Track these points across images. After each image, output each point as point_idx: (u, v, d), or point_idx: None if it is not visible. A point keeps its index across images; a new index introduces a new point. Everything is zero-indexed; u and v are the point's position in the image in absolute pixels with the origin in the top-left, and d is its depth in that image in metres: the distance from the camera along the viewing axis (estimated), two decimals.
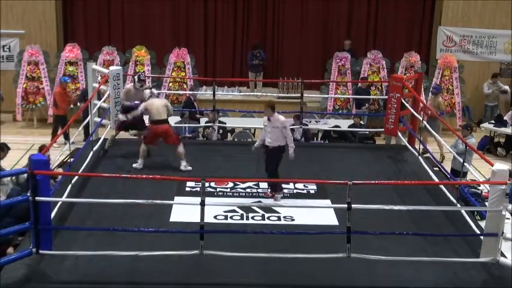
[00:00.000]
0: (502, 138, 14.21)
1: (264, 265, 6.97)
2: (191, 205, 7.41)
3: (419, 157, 10.30)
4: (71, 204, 8.22)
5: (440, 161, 11.66)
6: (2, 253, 7.25)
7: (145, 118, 10.12)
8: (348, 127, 13.07)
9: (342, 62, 15.09)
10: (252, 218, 8.29)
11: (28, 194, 6.66)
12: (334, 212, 8.28)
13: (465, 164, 8.94)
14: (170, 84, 14.82)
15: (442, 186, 8.97)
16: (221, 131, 12.52)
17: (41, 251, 6.83)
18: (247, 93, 15.11)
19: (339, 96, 14.78)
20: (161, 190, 8.57)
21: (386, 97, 11.47)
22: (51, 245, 6.94)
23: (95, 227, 7.64)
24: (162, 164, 10.09)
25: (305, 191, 9.29)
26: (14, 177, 9.16)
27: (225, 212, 8.36)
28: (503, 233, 6.92)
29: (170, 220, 8.08)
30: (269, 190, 9.02)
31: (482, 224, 7.54)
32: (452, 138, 11.32)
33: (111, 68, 11.30)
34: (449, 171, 10.06)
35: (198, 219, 6.81)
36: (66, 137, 10.19)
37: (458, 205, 8.41)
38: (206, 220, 6.92)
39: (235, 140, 12.63)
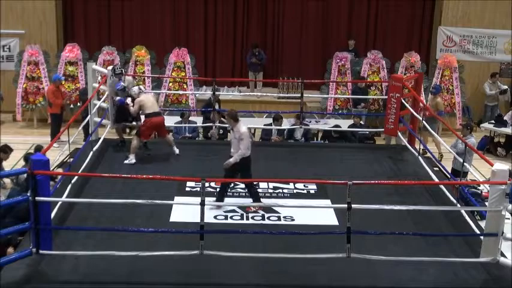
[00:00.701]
0: (502, 138, 14.21)
1: (264, 265, 6.97)
2: (191, 205, 7.41)
3: (419, 157, 10.30)
4: (71, 204, 8.22)
5: (439, 159, 11.66)
6: (2, 253, 7.25)
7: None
8: (348, 127, 13.07)
9: (342, 62, 15.09)
10: (252, 218, 8.29)
11: (28, 194, 6.66)
12: (334, 212, 8.28)
13: (465, 164, 8.95)
14: (170, 84, 14.82)
15: (442, 186, 8.97)
16: (221, 131, 12.52)
17: (41, 251, 6.83)
18: (247, 93, 15.11)
19: (339, 96, 14.78)
20: (161, 190, 8.57)
21: (386, 97, 11.47)
22: (51, 245, 6.94)
23: (95, 227, 7.64)
24: (162, 164, 10.10)
25: (305, 191, 9.29)
26: (13, 178, 9.18)
27: (225, 212, 8.36)
28: (503, 233, 6.92)
29: (170, 220, 8.08)
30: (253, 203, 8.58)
31: (482, 224, 7.54)
32: (452, 138, 11.33)
33: (111, 68, 11.28)
34: (449, 171, 10.05)
35: (198, 219, 6.82)
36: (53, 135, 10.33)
37: (458, 205, 8.41)
38: (206, 220, 6.92)
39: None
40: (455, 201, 8.46)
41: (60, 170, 9.57)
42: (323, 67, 15.62)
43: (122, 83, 10.38)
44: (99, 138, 10.73)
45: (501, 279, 6.93)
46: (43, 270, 6.87)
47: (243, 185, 9.31)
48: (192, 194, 8.82)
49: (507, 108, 15.09)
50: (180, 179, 9.13)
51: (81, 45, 15.12)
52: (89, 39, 15.86)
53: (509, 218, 7.16)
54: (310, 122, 13.14)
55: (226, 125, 12.29)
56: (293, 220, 8.24)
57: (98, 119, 11.15)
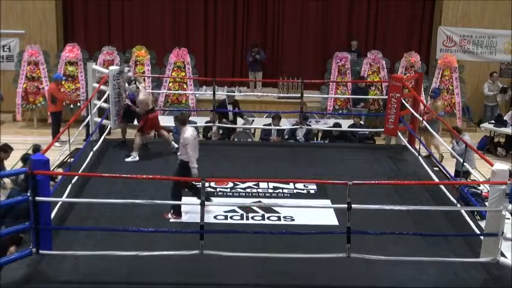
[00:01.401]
0: (502, 138, 14.21)
1: (264, 265, 6.98)
2: (191, 205, 7.42)
3: (419, 157, 10.30)
4: (71, 204, 8.22)
5: (440, 160, 11.66)
6: (2, 253, 7.25)
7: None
8: (348, 127, 13.07)
9: (342, 62, 15.08)
10: (252, 218, 8.29)
11: (28, 194, 6.66)
12: (334, 212, 8.29)
13: (465, 164, 8.95)
14: (170, 84, 14.81)
15: (442, 186, 8.97)
16: (221, 131, 12.52)
17: (41, 251, 6.84)
18: (247, 93, 15.11)
19: (339, 96, 14.77)
20: (161, 190, 8.57)
21: (386, 97, 11.47)
22: (51, 245, 6.94)
23: (94, 227, 7.65)
24: (162, 164, 10.10)
25: (305, 191, 9.29)
26: (13, 178, 9.18)
27: (225, 212, 8.37)
28: (503, 233, 6.92)
29: (170, 220, 8.09)
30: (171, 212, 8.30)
31: (482, 224, 7.55)
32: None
33: (111, 68, 11.30)
34: (449, 172, 10.05)
35: (198, 219, 6.82)
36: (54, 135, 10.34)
37: (458, 205, 8.41)
38: (206, 220, 6.92)
39: (235, 140, 12.63)
40: (455, 201, 8.46)
41: (60, 170, 9.57)
42: (323, 67, 15.60)
43: (132, 86, 10.47)
44: (100, 138, 10.74)
45: (501, 279, 6.94)
46: (43, 270, 6.88)
47: (243, 185, 9.33)
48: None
49: (507, 108, 15.08)
50: (180, 179, 9.11)
51: (81, 45, 15.11)
52: (89, 39, 15.84)
53: (509, 218, 7.17)
54: (310, 122, 13.14)
55: (226, 125, 12.34)
56: (293, 220, 8.25)
57: (98, 119, 11.16)
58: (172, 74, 14.74)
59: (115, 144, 11.01)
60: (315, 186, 9.38)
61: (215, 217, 8.19)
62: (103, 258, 6.94)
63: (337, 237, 7.04)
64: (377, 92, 14.90)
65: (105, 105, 10.99)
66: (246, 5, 15.99)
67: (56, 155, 9.44)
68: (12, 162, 10.92)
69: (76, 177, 8.79)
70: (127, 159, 10.12)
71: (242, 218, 8.28)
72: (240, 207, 8.47)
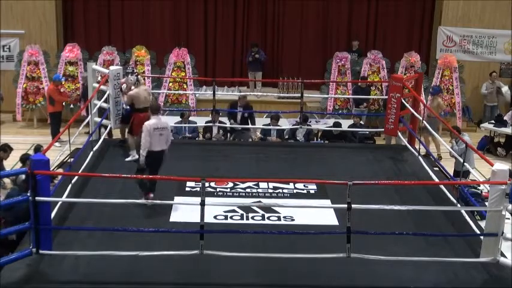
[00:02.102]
0: (502, 138, 14.21)
1: (264, 265, 6.97)
2: (191, 205, 7.42)
3: (419, 157, 10.30)
4: (71, 204, 8.22)
5: (438, 159, 11.65)
6: (2, 253, 7.25)
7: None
8: (348, 127, 13.07)
9: (342, 62, 15.09)
10: (252, 218, 8.29)
11: (28, 194, 6.66)
12: (334, 212, 8.28)
13: (466, 164, 8.94)
14: (170, 84, 14.81)
15: (442, 186, 8.97)
16: (221, 131, 12.52)
17: (41, 251, 6.84)
18: (247, 93, 15.08)
19: (339, 96, 14.77)
20: (161, 190, 8.57)
21: (386, 97, 11.47)
22: (51, 245, 6.94)
23: (95, 227, 7.65)
24: (162, 164, 10.08)
25: (305, 191, 9.29)
26: (13, 178, 9.18)
27: (225, 212, 8.36)
28: (503, 233, 6.92)
29: (170, 220, 8.08)
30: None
31: (482, 224, 7.55)
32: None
33: (111, 68, 11.30)
34: (448, 172, 10.05)
35: (198, 219, 6.82)
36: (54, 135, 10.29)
37: (458, 205, 8.41)
38: (206, 220, 6.93)
39: (235, 140, 12.63)
40: (455, 201, 8.46)
41: (60, 170, 9.57)
42: (323, 67, 15.62)
43: (138, 77, 10.38)
44: (100, 138, 10.73)
45: (501, 279, 6.94)
46: (43, 270, 6.88)
47: (243, 185, 9.32)
48: (192, 194, 8.80)
49: (507, 108, 15.08)
50: (180, 179, 9.13)
51: (81, 45, 15.12)
52: (89, 39, 15.85)
53: (509, 218, 7.17)
54: (310, 122, 13.14)
55: (227, 125, 12.35)
56: (293, 220, 8.24)
57: (98, 119, 11.15)
58: (172, 74, 14.74)
59: (115, 144, 11.00)
60: (315, 186, 9.37)
61: (215, 217, 8.19)
62: (103, 258, 6.94)
63: (337, 237, 7.04)
64: (377, 92, 14.91)
65: (105, 105, 10.98)
66: (246, 5, 16.00)
67: (56, 155, 9.43)
68: (12, 163, 10.93)
69: (76, 177, 8.79)
70: (127, 159, 10.11)
71: (242, 218, 8.27)
72: (240, 207, 8.47)
